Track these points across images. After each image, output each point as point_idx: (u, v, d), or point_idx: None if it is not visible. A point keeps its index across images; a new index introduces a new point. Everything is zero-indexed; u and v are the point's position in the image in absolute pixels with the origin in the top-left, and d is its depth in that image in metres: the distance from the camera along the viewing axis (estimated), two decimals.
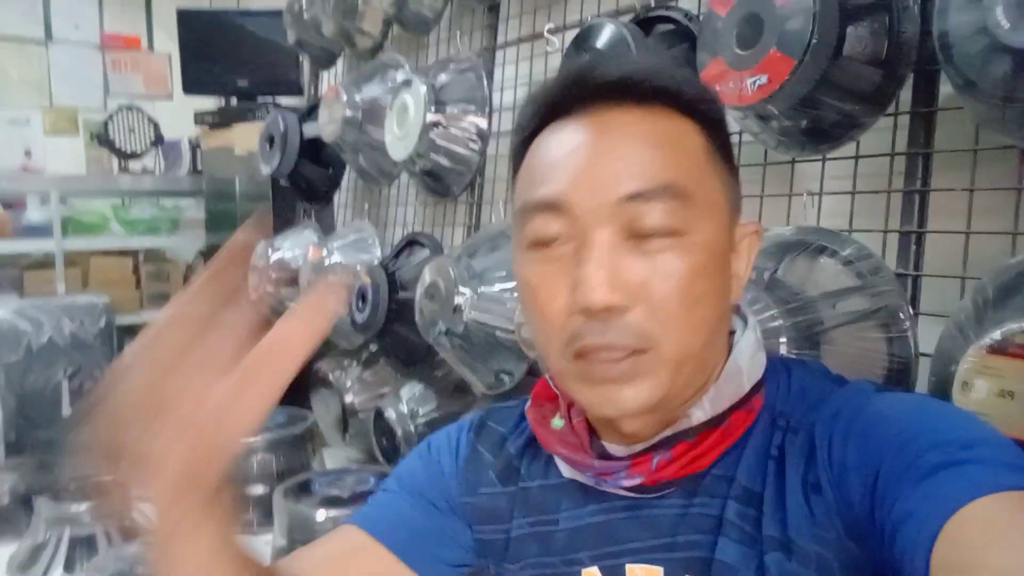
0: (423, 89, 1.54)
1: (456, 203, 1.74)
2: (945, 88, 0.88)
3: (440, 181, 1.65)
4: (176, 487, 0.46)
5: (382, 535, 0.69)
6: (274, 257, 2.07)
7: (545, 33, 1.40)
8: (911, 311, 0.88)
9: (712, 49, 0.96)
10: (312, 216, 2.25)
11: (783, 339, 0.87)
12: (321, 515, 1.33)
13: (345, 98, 1.77)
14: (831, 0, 0.85)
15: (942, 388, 0.78)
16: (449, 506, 0.71)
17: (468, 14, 1.74)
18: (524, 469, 0.69)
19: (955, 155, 0.88)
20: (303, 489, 1.41)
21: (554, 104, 0.58)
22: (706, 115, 0.58)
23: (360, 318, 1.65)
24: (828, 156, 0.99)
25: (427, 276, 1.39)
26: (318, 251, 1.88)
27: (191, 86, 2.85)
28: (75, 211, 3.17)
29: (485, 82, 1.58)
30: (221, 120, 2.74)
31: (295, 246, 2.07)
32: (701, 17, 1.10)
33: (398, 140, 1.61)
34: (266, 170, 2.17)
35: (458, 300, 1.31)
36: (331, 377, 1.91)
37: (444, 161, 1.60)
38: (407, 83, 1.61)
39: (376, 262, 1.74)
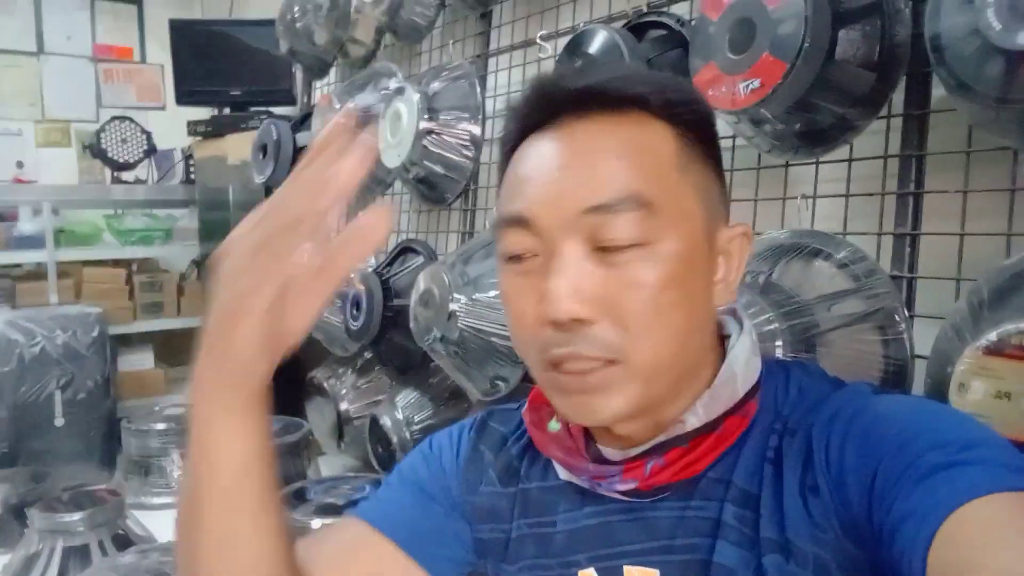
0: (416, 97, 1.54)
1: (450, 210, 1.74)
2: (937, 90, 0.88)
3: (434, 188, 1.65)
4: (239, 362, 0.50)
5: (386, 528, 0.69)
6: None
7: (537, 40, 1.41)
8: (906, 313, 0.88)
9: (704, 54, 0.96)
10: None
11: (779, 342, 0.87)
12: (317, 523, 1.32)
13: (338, 106, 1.77)
14: (823, 4, 0.85)
15: (938, 390, 0.78)
16: (450, 503, 0.72)
17: (460, 22, 1.74)
18: (524, 470, 0.70)
19: (948, 157, 0.88)
20: (298, 497, 1.41)
21: (526, 117, 0.59)
22: (682, 118, 0.57)
23: (355, 325, 1.65)
24: (822, 159, 0.99)
25: (421, 283, 1.39)
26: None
27: (184, 97, 2.85)
28: (67, 222, 3.16)
29: (478, 89, 1.58)
30: (214, 130, 2.74)
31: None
32: (693, 22, 1.10)
33: (391, 148, 1.61)
34: (259, 179, 2.17)
35: (453, 307, 1.30)
36: (326, 385, 1.90)
37: (438, 168, 1.60)
38: (400, 91, 1.61)
39: (370, 269, 1.73)
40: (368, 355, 1.87)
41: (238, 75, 2.78)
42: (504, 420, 0.74)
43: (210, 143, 2.77)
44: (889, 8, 0.87)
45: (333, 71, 2.25)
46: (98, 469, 1.99)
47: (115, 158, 3.28)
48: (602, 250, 0.54)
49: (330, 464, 1.93)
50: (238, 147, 2.51)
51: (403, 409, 1.62)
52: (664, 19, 1.18)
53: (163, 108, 3.63)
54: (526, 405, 0.69)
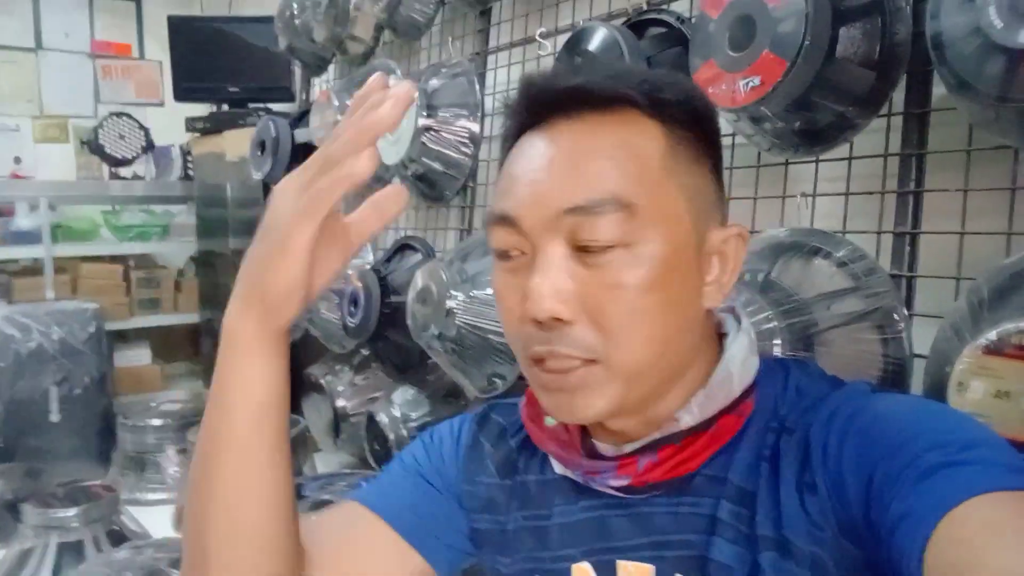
0: (415, 94, 1.54)
1: (448, 207, 1.74)
2: (938, 89, 0.88)
3: (432, 185, 1.65)
4: (275, 295, 0.56)
5: (383, 512, 0.70)
6: None
7: (537, 37, 1.40)
8: (906, 312, 0.88)
9: (704, 52, 0.96)
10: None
11: (778, 341, 0.87)
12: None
13: (336, 103, 1.76)
14: (824, 2, 0.85)
15: (937, 389, 0.77)
16: (448, 491, 0.72)
17: (460, 19, 1.74)
18: (522, 463, 0.70)
19: (949, 156, 0.88)
20: (295, 494, 1.40)
21: (519, 116, 0.60)
22: (674, 117, 0.57)
23: (352, 322, 1.64)
24: (822, 158, 0.99)
25: (419, 280, 1.39)
26: None
27: (182, 93, 2.84)
28: (65, 217, 3.15)
29: (477, 86, 1.58)
30: (212, 126, 2.74)
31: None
32: (693, 20, 1.10)
33: (390, 145, 1.60)
34: (258, 176, 2.16)
35: (450, 304, 1.30)
36: (323, 382, 1.90)
37: (436, 165, 1.59)
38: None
39: (368, 266, 1.73)
40: (365, 352, 1.87)
41: (236, 72, 2.77)
42: (505, 413, 0.75)
43: (208, 139, 2.76)
44: (890, 6, 0.87)
45: (332, 68, 2.25)
46: (94, 465, 1.98)
47: (113, 154, 3.27)
48: (584, 250, 0.54)
49: (326, 461, 1.93)
50: (236, 144, 2.50)
51: (400, 406, 1.62)
52: (664, 16, 1.17)
53: (161, 104, 3.62)
54: (524, 399, 0.70)
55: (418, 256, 1.68)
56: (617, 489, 0.61)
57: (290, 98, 2.68)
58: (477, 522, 0.71)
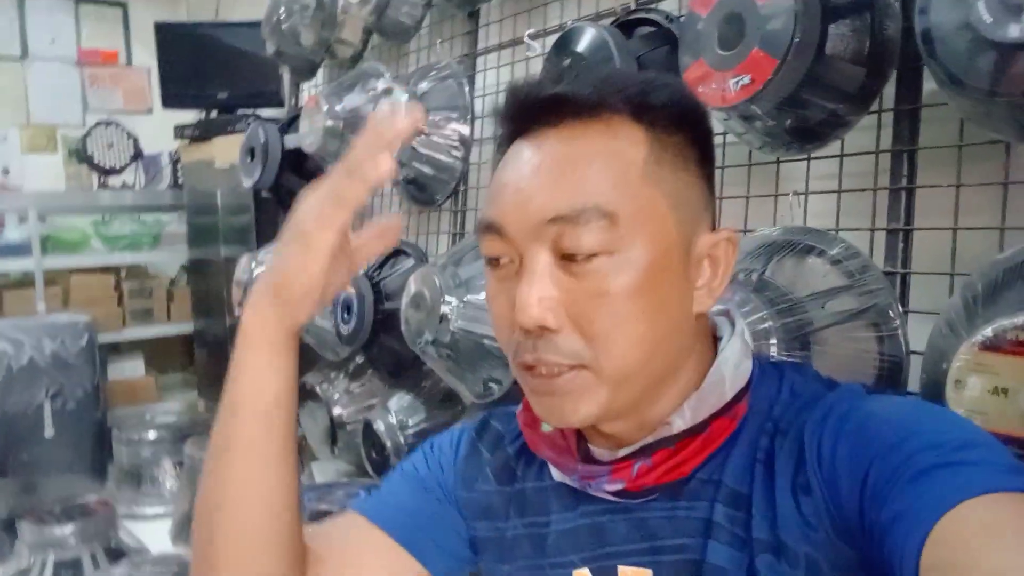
0: (404, 97, 1.53)
1: (440, 211, 1.73)
2: (928, 85, 0.88)
3: (423, 189, 1.64)
4: (296, 295, 0.59)
5: (380, 520, 0.70)
6: (258, 271, 2.04)
7: (526, 38, 1.40)
8: (900, 309, 0.88)
9: (694, 50, 0.96)
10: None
11: (773, 340, 0.87)
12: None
13: (326, 108, 1.75)
14: None
15: (934, 386, 0.77)
16: (448, 498, 0.73)
17: (448, 21, 1.73)
18: (520, 470, 0.70)
19: (940, 152, 0.88)
20: None
21: (505, 124, 0.61)
22: (658, 122, 0.57)
23: (346, 329, 1.63)
24: (813, 155, 0.98)
25: (412, 286, 1.38)
26: None
27: (170, 100, 2.83)
28: (54, 228, 3.13)
29: (467, 89, 1.57)
30: (201, 133, 2.72)
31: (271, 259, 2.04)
32: (682, 19, 1.09)
33: None
34: (248, 182, 2.15)
35: (444, 309, 1.29)
36: (318, 389, 1.89)
37: (427, 169, 1.58)
38: (388, 91, 1.59)
39: (361, 272, 1.72)
40: (360, 359, 1.86)
41: (225, 78, 2.76)
42: (504, 421, 0.75)
43: (197, 147, 2.75)
44: (879, 2, 0.87)
45: (320, 72, 2.24)
46: (89, 480, 1.97)
47: (102, 163, 3.25)
48: (569, 259, 0.55)
49: (323, 470, 1.92)
50: (226, 150, 2.49)
51: (396, 413, 1.61)
52: (653, 16, 1.17)
53: (150, 112, 3.61)
54: (520, 405, 0.70)
55: (411, 261, 1.67)
56: (613, 494, 0.61)
57: (279, 103, 2.67)
58: (476, 529, 0.72)
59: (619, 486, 0.60)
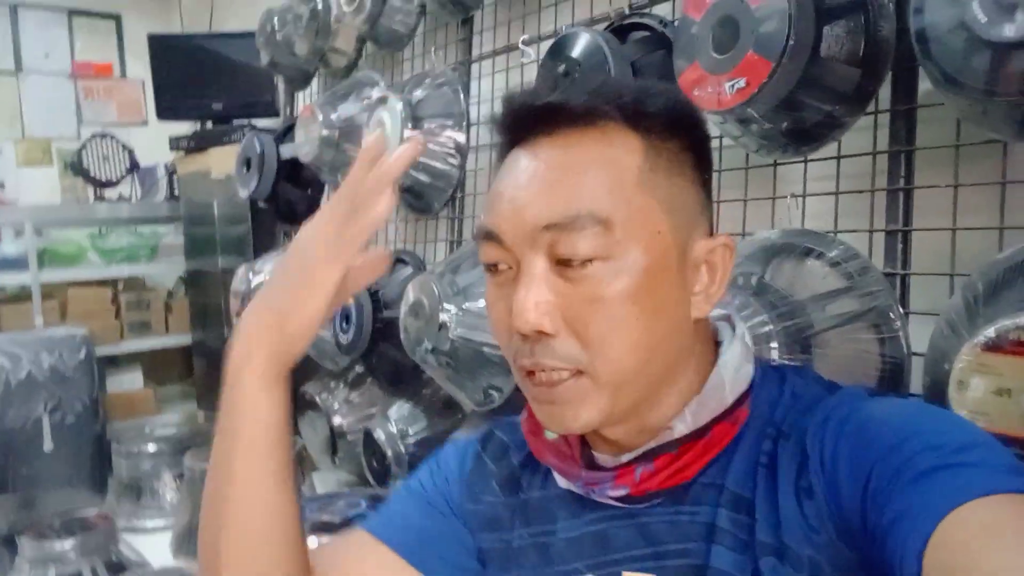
0: (399, 105, 1.53)
1: (437, 219, 1.73)
2: (924, 85, 0.87)
3: (420, 197, 1.64)
4: (295, 330, 0.62)
5: (385, 536, 0.71)
6: (255, 281, 2.04)
7: (520, 44, 1.39)
8: (901, 311, 0.87)
9: (688, 54, 0.95)
10: (293, 237, 2.22)
11: (774, 344, 0.86)
12: (313, 542, 1.30)
13: (321, 117, 1.75)
14: (807, 1, 0.84)
15: (937, 388, 0.77)
16: (454, 512, 0.73)
17: (442, 28, 1.73)
18: (525, 480, 0.71)
19: (938, 152, 0.88)
20: None
21: (502, 133, 0.62)
22: (653, 129, 0.57)
23: (345, 339, 1.63)
24: (810, 158, 0.98)
25: (411, 294, 1.38)
26: None
27: (165, 112, 2.83)
28: (51, 242, 3.12)
29: (462, 96, 1.57)
30: (197, 144, 2.72)
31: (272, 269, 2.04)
32: (676, 23, 1.09)
33: None
34: (244, 193, 2.15)
35: (443, 317, 1.29)
36: (318, 399, 1.88)
37: (423, 177, 1.58)
38: (383, 100, 1.59)
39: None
40: (359, 368, 1.85)
41: (219, 88, 2.76)
42: (508, 431, 0.75)
43: (193, 158, 2.75)
44: (873, 3, 0.87)
45: (315, 81, 2.24)
46: (89, 493, 1.96)
47: (97, 176, 3.24)
48: (564, 264, 0.55)
49: (324, 480, 1.91)
50: (222, 161, 2.49)
51: (396, 422, 1.61)
52: (647, 20, 1.17)
53: (145, 124, 3.60)
54: (525, 413, 0.70)
55: (409, 269, 1.67)
56: (618, 499, 0.61)
57: (274, 113, 2.67)
58: (483, 541, 0.71)
59: (623, 491, 0.60)
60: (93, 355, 2.09)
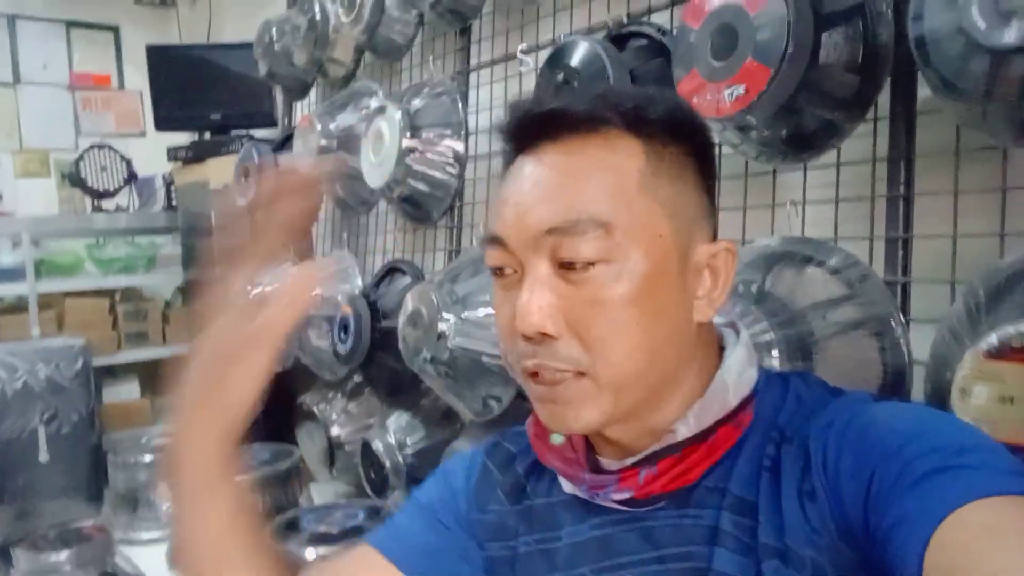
0: (398, 115, 1.53)
1: (436, 228, 1.73)
2: (923, 91, 0.87)
3: (419, 207, 1.64)
4: (231, 412, 0.63)
5: (389, 551, 0.71)
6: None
7: (518, 54, 1.40)
8: (902, 318, 0.87)
9: (687, 62, 0.95)
10: (289, 248, 2.21)
11: (775, 352, 0.86)
12: (310, 553, 1.29)
13: (319, 127, 1.75)
14: (805, 7, 0.84)
15: (939, 395, 0.76)
16: (459, 524, 0.73)
17: (440, 38, 1.74)
18: (531, 487, 0.71)
19: (937, 158, 0.88)
20: (291, 527, 1.38)
21: (507, 141, 0.62)
22: (654, 135, 0.58)
23: (343, 349, 1.62)
24: (809, 165, 0.98)
25: (409, 303, 1.37)
26: None
27: (163, 122, 2.82)
28: (48, 252, 3.11)
29: (460, 105, 1.57)
30: (195, 155, 2.71)
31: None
32: (674, 31, 1.09)
33: (374, 167, 1.59)
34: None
35: (442, 326, 1.28)
36: (316, 410, 1.88)
37: (422, 186, 1.58)
38: (381, 109, 1.59)
39: (357, 291, 1.71)
40: (357, 378, 1.85)
41: (217, 99, 2.75)
42: (515, 440, 0.76)
43: (191, 168, 2.74)
44: (871, 10, 0.87)
45: (313, 92, 2.24)
46: (85, 505, 1.95)
47: (95, 187, 3.24)
48: (567, 267, 0.56)
49: (322, 491, 1.90)
50: (220, 171, 2.48)
51: (395, 432, 1.60)
52: (645, 29, 1.17)
53: (143, 135, 3.60)
54: (531, 418, 0.70)
55: (407, 279, 1.66)
56: (622, 503, 0.62)
57: (272, 123, 2.67)
58: (490, 550, 0.72)
59: (626, 494, 0.60)
60: (90, 365, 2.08)
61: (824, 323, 0.88)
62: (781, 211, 1.01)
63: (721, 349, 0.64)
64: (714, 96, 0.91)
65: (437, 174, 1.57)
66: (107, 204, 3.29)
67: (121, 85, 3.69)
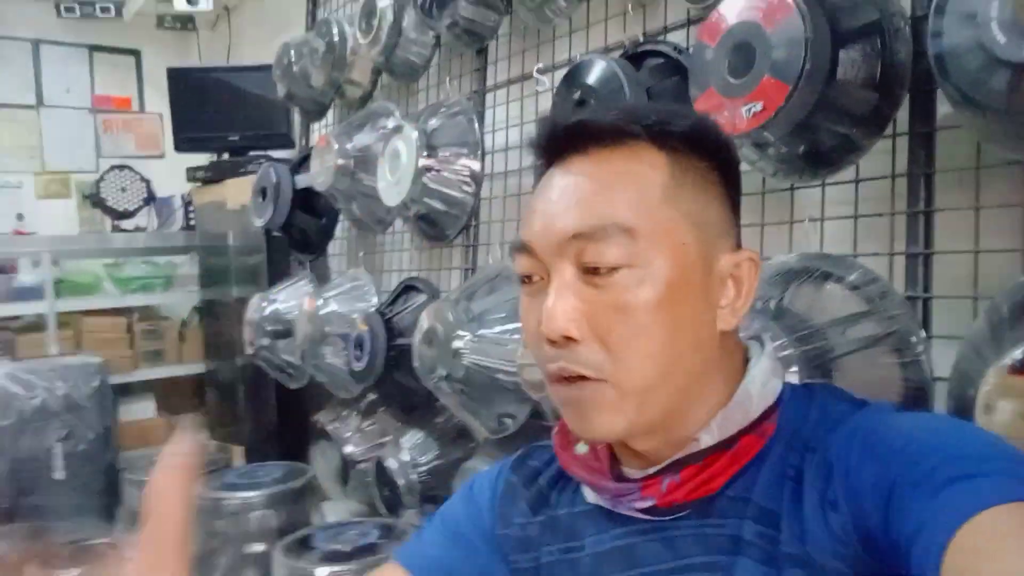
0: (414, 134, 1.54)
1: (452, 246, 1.73)
2: (942, 108, 0.87)
3: (435, 225, 1.64)
4: None
5: (415, 568, 0.72)
6: (268, 309, 2.04)
7: (535, 73, 1.40)
8: (923, 334, 0.86)
9: (703, 81, 0.96)
10: (307, 266, 2.23)
11: (795, 368, 0.85)
12: (323, 571, 1.28)
13: (336, 147, 1.76)
14: (822, 25, 0.85)
15: (962, 411, 0.75)
16: (485, 542, 0.74)
17: (456, 59, 1.75)
18: (554, 498, 0.72)
19: (957, 174, 0.87)
20: (304, 545, 1.37)
21: (539, 153, 0.64)
22: (678, 147, 0.59)
23: (358, 366, 1.62)
24: (828, 181, 0.98)
25: (424, 321, 1.37)
26: (313, 302, 1.86)
27: (183, 144, 2.86)
28: (68, 272, 3.15)
29: (476, 125, 1.58)
30: (213, 176, 2.75)
31: (290, 297, 2.05)
32: (691, 50, 1.10)
33: (391, 186, 1.60)
34: (259, 223, 2.16)
35: (457, 344, 1.28)
36: (330, 428, 1.87)
37: (438, 205, 1.59)
38: (398, 129, 1.60)
39: (373, 309, 1.71)
40: (372, 397, 1.84)
41: (236, 120, 2.79)
42: (540, 454, 0.76)
43: (209, 189, 2.77)
44: (889, 27, 0.87)
45: (331, 112, 2.26)
46: (99, 522, 1.95)
47: (115, 207, 3.28)
48: (592, 272, 0.57)
49: (335, 509, 1.89)
50: (237, 192, 2.51)
51: (409, 451, 1.59)
52: (661, 47, 1.17)
53: (162, 156, 3.65)
54: (557, 428, 0.70)
55: (423, 297, 1.67)
56: (645, 512, 0.61)
57: (290, 144, 2.70)
58: (516, 563, 0.72)
59: (649, 503, 0.60)
60: (107, 384, 2.10)
61: (844, 339, 0.87)
62: (799, 228, 1.01)
63: (746, 361, 0.64)
64: (731, 113, 0.91)
65: (453, 193, 1.58)
66: (126, 224, 3.33)
67: (142, 107, 3.75)
